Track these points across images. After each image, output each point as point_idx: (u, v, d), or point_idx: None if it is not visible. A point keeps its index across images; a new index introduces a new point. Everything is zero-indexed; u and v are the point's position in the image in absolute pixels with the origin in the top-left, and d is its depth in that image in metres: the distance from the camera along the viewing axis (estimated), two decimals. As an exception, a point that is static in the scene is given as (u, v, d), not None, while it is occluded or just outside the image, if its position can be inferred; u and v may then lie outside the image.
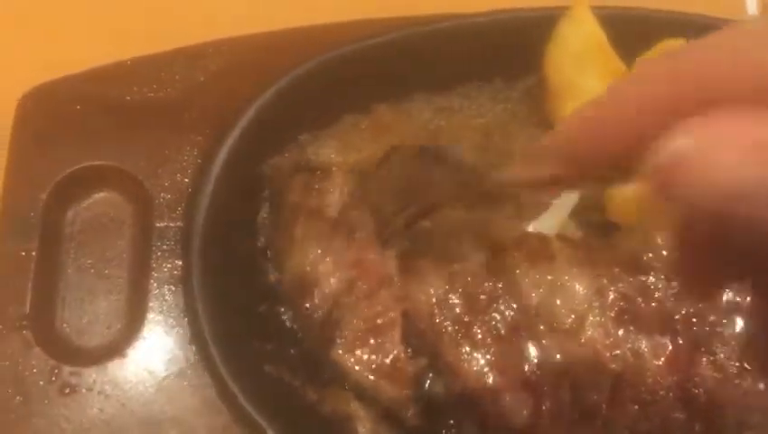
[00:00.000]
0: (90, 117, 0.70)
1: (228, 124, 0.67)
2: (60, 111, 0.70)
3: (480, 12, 0.73)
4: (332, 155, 0.68)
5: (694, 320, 0.56)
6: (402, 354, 0.58)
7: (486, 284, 0.58)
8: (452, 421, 0.59)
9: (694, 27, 0.70)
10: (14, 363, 0.61)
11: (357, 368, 0.58)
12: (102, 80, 0.71)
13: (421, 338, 0.60)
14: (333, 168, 0.65)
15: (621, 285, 0.57)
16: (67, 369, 0.61)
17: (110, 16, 0.81)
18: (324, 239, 0.62)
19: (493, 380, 0.56)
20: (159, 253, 0.65)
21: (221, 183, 0.65)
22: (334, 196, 0.64)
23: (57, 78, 0.71)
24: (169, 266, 0.65)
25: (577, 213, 0.65)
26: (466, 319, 0.57)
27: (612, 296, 0.57)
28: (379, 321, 0.59)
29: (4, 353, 0.61)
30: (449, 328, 0.57)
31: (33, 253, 0.65)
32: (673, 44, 0.68)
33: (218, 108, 0.69)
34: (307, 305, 0.61)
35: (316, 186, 0.64)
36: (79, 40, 0.78)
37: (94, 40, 0.78)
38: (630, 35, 0.69)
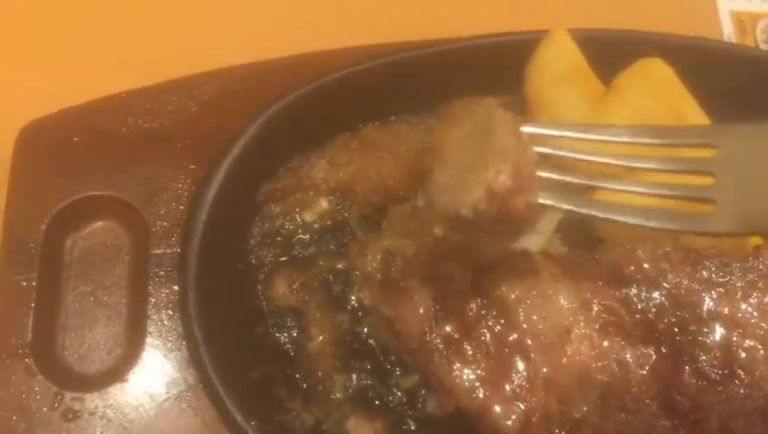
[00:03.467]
0: (87, 149, 0.72)
1: (220, 152, 0.68)
2: (57, 144, 0.72)
3: (463, 37, 0.75)
4: (321, 175, 0.70)
5: (676, 330, 0.58)
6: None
7: (473, 302, 0.59)
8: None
9: (670, 47, 0.73)
10: (18, 391, 0.63)
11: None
12: (98, 112, 0.73)
13: (413, 357, 0.62)
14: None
15: (604, 298, 0.59)
16: (69, 395, 0.63)
17: (104, 51, 0.83)
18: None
19: (484, 394, 0.57)
20: (156, 279, 0.67)
21: (215, 209, 0.67)
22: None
23: (54, 111, 0.73)
24: (166, 291, 0.67)
25: (562, 229, 0.67)
26: (456, 337, 0.59)
27: (596, 308, 0.58)
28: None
29: (8, 381, 0.63)
30: (439, 346, 0.58)
31: (34, 283, 0.67)
32: (650, 63, 0.71)
33: (211, 136, 0.71)
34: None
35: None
36: (75, 75, 0.81)
37: (89, 74, 0.80)
38: (608, 56, 0.72)
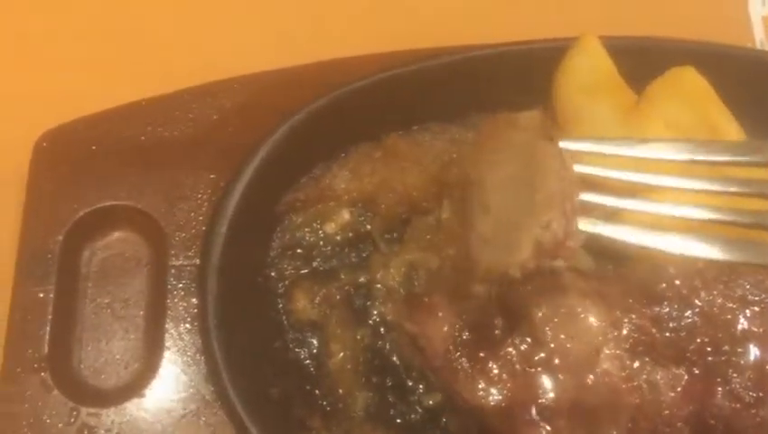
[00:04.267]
0: (105, 158, 0.71)
1: (241, 162, 0.67)
2: (75, 153, 0.71)
3: (489, 44, 0.73)
4: (343, 185, 0.68)
5: (708, 349, 0.56)
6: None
7: (499, 319, 0.58)
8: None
9: (702, 54, 0.70)
10: (33, 406, 0.62)
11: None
12: (116, 120, 0.72)
13: (437, 374, 0.60)
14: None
15: (634, 316, 0.57)
16: (85, 410, 0.62)
17: (123, 58, 0.82)
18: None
19: (509, 415, 0.56)
20: (175, 292, 0.66)
21: (236, 221, 0.65)
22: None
23: (72, 120, 0.72)
24: (185, 304, 0.66)
25: (590, 243, 0.65)
26: (481, 355, 0.57)
27: (626, 327, 0.57)
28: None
29: (23, 396, 0.62)
30: (464, 364, 0.57)
31: (51, 295, 0.66)
32: (682, 72, 0.69)
33: (232, 145, 0.70)
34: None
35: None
36: (93, 82, 0.79)
37: (108, 82, 0.79)
38: (639, 64, 0.69)
